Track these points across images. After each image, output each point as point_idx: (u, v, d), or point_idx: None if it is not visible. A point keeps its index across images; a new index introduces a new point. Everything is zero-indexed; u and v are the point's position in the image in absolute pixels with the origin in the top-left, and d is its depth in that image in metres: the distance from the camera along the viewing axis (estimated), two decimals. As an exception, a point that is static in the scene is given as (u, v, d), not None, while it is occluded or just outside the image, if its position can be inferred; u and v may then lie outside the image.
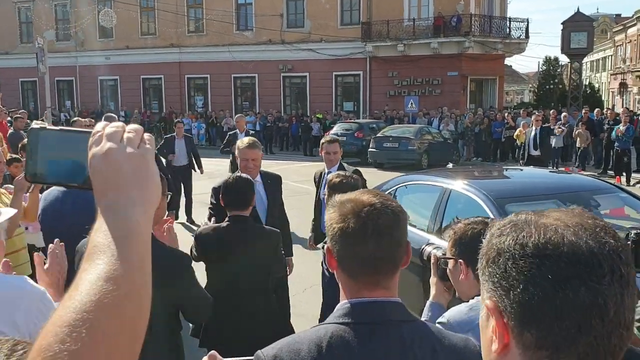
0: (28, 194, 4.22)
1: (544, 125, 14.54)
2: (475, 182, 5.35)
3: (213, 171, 19.09)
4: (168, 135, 11.41)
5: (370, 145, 20.13)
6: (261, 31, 31.69)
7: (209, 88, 34.47)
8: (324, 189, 4.40)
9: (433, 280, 2.39)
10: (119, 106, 35.30)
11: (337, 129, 22.83)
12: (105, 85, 36.94)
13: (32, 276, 2.34)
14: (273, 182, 4.99)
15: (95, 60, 35.45)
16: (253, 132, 12.94)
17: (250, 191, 3.74)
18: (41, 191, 3.84)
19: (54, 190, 3.42)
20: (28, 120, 13.25)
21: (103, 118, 10.53)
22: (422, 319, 2.32)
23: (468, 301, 2.19)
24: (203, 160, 11.67)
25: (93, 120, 11.85)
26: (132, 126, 0.93)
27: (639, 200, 5.11)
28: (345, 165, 5.77)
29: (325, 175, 5.48)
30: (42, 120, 17.48)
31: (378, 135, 20.64)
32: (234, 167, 10.35)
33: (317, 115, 27.80)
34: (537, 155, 13.52)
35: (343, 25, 30.84)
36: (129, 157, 0.89)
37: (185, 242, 3.55)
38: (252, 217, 4.36)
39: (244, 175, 3.99)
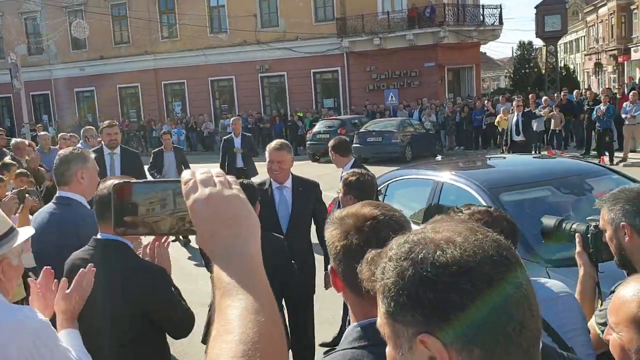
0: (18, 214, 4.11)
1: (525, 110, 14.63)
2: (467, 173, 5.32)
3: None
4: (156, 150, 10.46)
5: (354, 141, 20.10)
6: (235, 32, 31.52)
7: (187, 93, 34.21)
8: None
9: None
10: (97, 117, 34.90)
11: (319, 126, 22.78)
12: (82, 96, 36.50)
13: (26, 298, 2.24)
14: (306, 190, 4.62)
15: (70, 72, 35.04)
16: (249, 134, 12.45)
17: (249, 198, 3.65)
18: (31, 212, 3.74)
19: (43, 212, 3.33)
20: (8, 137, 13.01)
21: (82, 131, 10.30)
22: None
23: None
24: None
25: (76, 136, 11.63)
26: (216, 170, 1.01)
27: (631, 180, 5.11)
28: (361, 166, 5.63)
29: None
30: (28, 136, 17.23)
31: (361, 130, 20.66)
32: (231, 173, 10.09)
33: (298, 114, 27.73)
34: (520, 141, 13.61)
35: (318, 22, 30.77)
36: (228, 199, 0.96)
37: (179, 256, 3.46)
38: (274, 226, 4.22)
39: (246, 180, 3.89)
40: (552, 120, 18.40)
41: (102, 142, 6.77)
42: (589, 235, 2.27)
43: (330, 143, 5.71)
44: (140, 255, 2.66)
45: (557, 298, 2.14)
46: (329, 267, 1.56)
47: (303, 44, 30.51)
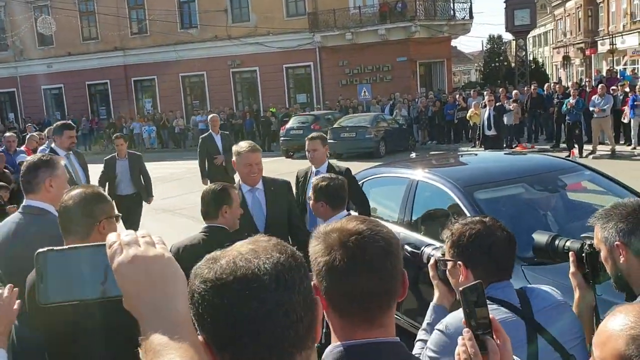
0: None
1: (497, 105, 14.76)
2: (441, 171, 5.31)
3: (165, 175, 18.81)
4: (108, 157, 8.66)
5: (328, 137, 20.02)
6: (206, 28, 31.21)
7: (157, 89, 33.81)
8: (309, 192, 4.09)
9: (435, 282, 2.31)
10: (65, 115, 34.23)
11: (293, 122, 22.67)
12: (49, 94, 35.78)
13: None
14: (277, 189, 4.51)
15: (36, 69, 34.32)
16: (227, 132, 12.01)
17: (217, 202, 3.56)
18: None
19: (9, 222, 3.20)
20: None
21: (46, 131, 9.97)
22: (425, 322, 2.26)
23: None
24: (156, 165, 10.79)
25: (43, 133, 11.32)
26: (142, 231, 1.03)
27: (603, 175, 5.17)
28: (334, 164, 5.42)
29: (311, 176, 5.10)
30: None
31: (334, 126, 20.63)
32: (210, 172, 9.67)
33: (270, 110, 27.58)
34: (492, 135, 13.72)
35: (289, 16, 30.63)
36: (154, 259, 0.98)
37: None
38: (250, 229, 4.06)
39: (221, 184, 3.76)
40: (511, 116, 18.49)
41: (55, 145, 6.33)
42: (583, 255, 2.13)
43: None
44: None
45: (560, 305, 2.10)
46: (312, 283, 1.50)
47: (275, 39, 30.34)
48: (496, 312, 1.90)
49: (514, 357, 1.45)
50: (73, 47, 33.87)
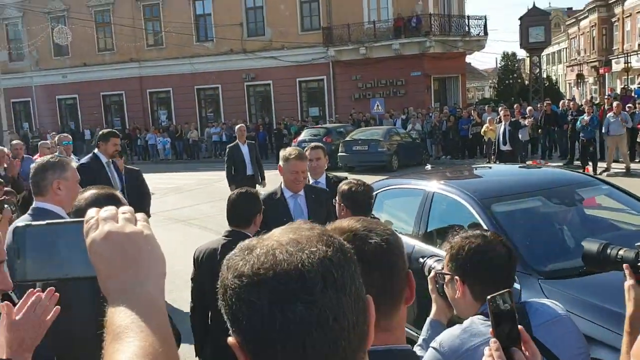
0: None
1: (512, 120, 14.70)
2: (457, 183, 5.26)
3: (179, 186, 18.85)
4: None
5: (340, 149, 20.07)
6: (222, 41, 31.44)
7: (172, 101, 34.02)
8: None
9: (433, 296, 2.23)
10: (80, 125, 34.55)
11: (305, 134, 22.71)
12: (64, 104, 36.13)
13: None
14: (318, 197, 4.59)
15: (51, 79, 34.70)
16: (253, 141, 12.00)
17: (253, 208, 3.57)
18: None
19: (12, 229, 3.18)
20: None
21: (57, 138, 9.99)
22: (421, 337, 2.17)
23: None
24: (169, 176, 10.74)
25: (54, 140, 11.39)
26: (125, 207, 0.95)
27: (620, 190, 5.10)
28: (332, 174, 5.47)
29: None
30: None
31: (347, 139, 20.62)
32: (236, 181, 9.63)
33: (283, 123, 27.69)
34: (507, 150, 13.64)
35: (304, 31, 30.81)
36: (129, 236, 0.90)
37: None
38: None
39: (250, 190, 3.78)
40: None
41: (98, 151, 6.34)
42: (639, 264, 2.00)
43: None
44: None
45: (560, 319, 2.03)
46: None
47: (289, 53, 30.51)
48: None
49: None
50: (89, 58, 34.22)
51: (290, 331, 0.83)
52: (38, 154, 10.79)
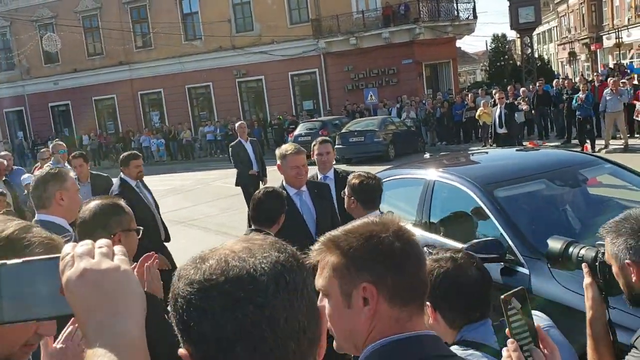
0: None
1: (508, 102, 14.64)
2: (458, 170, 5.20)
3: (176, 187, 18.77)
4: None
5: (336, 142, 20.00)
6: (210, 39, 31.28)
7: (164, 102, 33.89)
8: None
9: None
10: (74, 131, 34.42)
11: (301, 129, 22.64)
12: (57, 111, 35.98)
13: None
14: (321, 192, 4.60)
15: (43, 87, 34.56)
16: (255, 139, 11.93)
17: (280, 208, 3.54)
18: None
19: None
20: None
21: (50, 146, 9.84)
22: None
23: None
24: (166, 177, 10.74)
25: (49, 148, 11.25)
26: (102, 241, 0.93)
27: (624, 168, 5.04)
28: (340, 169, 5.43)
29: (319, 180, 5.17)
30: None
31: (343, 131, 20.58)
32: (243, 179, 9.87)
33: (278, 118, 27.62)
34: (503, 133, 13.59)
35: (293, 24, 30.65)
36: (106, 272, 0.87)
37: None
38: (303, 231, 4.16)
39: (276, 189, 3.73)
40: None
41: (123, 175, 6.24)
42: (597, 264, 1.97)
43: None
44: None
45: (547, 332, 1.88)
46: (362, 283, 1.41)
47: (279, 47, 30.37)
48: (471, 358, 1.78)
49: None
50: (79, 64, 34.06)
51: (242, 333, 0.84)
52: (38, 166, 10.68)
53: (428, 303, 1.91)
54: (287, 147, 4.49)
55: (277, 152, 4.54)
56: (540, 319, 1.99)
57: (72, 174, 3.43)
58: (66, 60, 34.19)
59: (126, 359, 0.82)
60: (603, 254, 1.94)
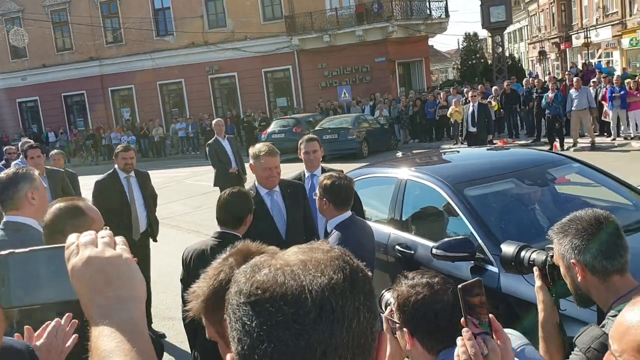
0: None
1: (481, 102, 14.78)
2: (429, 169, 5.25)
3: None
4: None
5: (310, 139, 20.03)
6: (182, 35, 30.98)
7: (135, 98, 33.46)
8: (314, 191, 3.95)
9: (387, 336, 2.08)
10: (42, 127, 33.79)
11: (274, 126, 22.58)
12: (25, 107, 35.27)
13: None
14: (295, 192, 4.46)
15: (10, 82, 33.84)
16: (232, 135, 11.63)
17: (245, 208, 3.46)
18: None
19: None
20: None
21: (19, 144, 9.64)
22: None
23: None
24: None
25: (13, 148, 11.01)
26: (104, 232, 0.99)
27: (592, 167, 5.14)
28: (326, 168, 5.27)
29: (307, 181, 5.08)
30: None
31: (316, 128, 20.60)
32: (221, 179, 9.51)
33: (247, 115, 27.53)
34: (474, 132, 13.72)
35: (266, 21, 30.53)
36: (109, 260, 0.94)
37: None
38: (273, 232, 4.07)
39: (241, 189, 3.65)
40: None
41: (117, 166, 6.36)
42: (546, 267, 2.00)
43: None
44: None
45: (518, 353, 1.86)
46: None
47: (252, 44, 30.23)
48: None
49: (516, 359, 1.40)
50: (47, 59, 33.42)
51: (274, 358, 0.77)
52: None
53: (405, 329, 1.92)
54: (260, 148, 4.36)
55: (251, 151, 4.43)
56: (515, 337, 1.95)
57: (36, 172, 3.38)
58: (34, 55, 33.51)
59: (130, 340, 0.87)
60: (552, 256, 1.97)
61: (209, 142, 10.08)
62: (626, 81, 16.70)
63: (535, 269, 2.05)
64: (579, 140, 16.40)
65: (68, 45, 33.71)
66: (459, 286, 1.32)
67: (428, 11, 30.41)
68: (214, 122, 10.64)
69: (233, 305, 0.83)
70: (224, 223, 3.48)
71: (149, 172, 7.13)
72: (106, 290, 0.91)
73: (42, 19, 32.01)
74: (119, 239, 0.99)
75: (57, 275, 0.98)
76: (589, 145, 16.05)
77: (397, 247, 4.77)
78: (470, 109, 13.89)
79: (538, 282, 2.02)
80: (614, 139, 16.61)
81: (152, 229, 6.52)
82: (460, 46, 56.23)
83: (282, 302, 0.78)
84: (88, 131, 32.30)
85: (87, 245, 0.95)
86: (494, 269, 3.86)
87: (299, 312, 0.77)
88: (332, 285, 0.79)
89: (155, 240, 6.59)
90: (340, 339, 0.78)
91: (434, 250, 4.07)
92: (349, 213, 3.73)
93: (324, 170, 5.11)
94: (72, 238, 0.97)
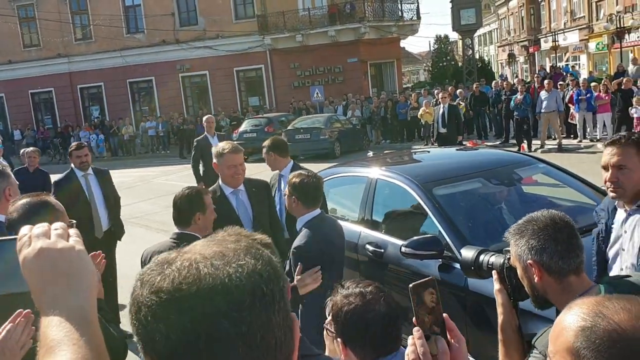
0: None
1: (451, 103, 14.95)
2: (399, 169, 5.31)
3: (116, 184, 18.30)
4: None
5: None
6: (153, 32, 30.65)
7: (104, 96, 32.96)
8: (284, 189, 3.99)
9: (327, 342, 2.11)
10: (8, 125, 33.06)
11: (246, 125, 22.50)
12: (-10, 104, 34.46)
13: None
14: (259, 190, 4.48)
15: (-25, 79, 33.02)
16: (224, 134, 11.28)
17: (192, 208, 3.42)
18: None
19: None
20: None
21: None
22: None
23: None
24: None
25: None
26: (58, 224, 0.99)
27: (558, 168, 5.25)
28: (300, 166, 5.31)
29: (280, 180, 5.09)
30: None
31: (289, 128, 20.58)
32: (207, 178, 9.01)
33: (214, 114, 27.27)
34: (445, 133, 13.86)
35: (238, 19, 30.39)
36: (61, 251, 0.93)
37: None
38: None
39: (194, 188, 3.63)
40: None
41: (73, 165, 6.25)
42: (504, 270, 1.99)
43: (267, 143, 5.10)
44: None
45: None
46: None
47: (224, 42, 30.06)
48: None
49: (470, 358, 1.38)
50: (14, 55, 32.70)
51: (214, 350, 0.77)
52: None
53: (339, 339, 1.93)
54: (224, 146, 4.37)
55: (214, 149, 4.44)
56: None
57: (8, 169, 3.35)
58: (0, 51, 32.76)
59: (79, 329, 0.86)
60: (509, 259, 1.97)
61: (198, 138, 9.72)
62: (592, 84, 17.09)
63: (494, 272, 2.04)
64: (547, 141, 16.71)
65: (35, 42, 33.03)
66: (410, 285, 1.30)
67: (400, 13, 30.63)
68: (204, 118, 10.20)
69: (150, 306, 0.79)
70: (177, 222, 3.47)
71: (118, 171, 7.05)
72: (56, 280, 0.91)
73: (8, 14, 31.32)
74: (73, 231, 0.99)
75: (9, 267, 0.98)
76: (556, 146, 16.38)
77: (368, 245, 4.81)
78: (441, 110, 14.05)
79: (497, 286, 2.01)
80: (580, 141, 16.97)
81: (116, 229, 6.41)
82: (432, 48, 56.80)
83: (212, 293, 0.77)
84: (56, 129, 31.72)
85: (40, 237, 0.95)
86: (461, 267, 3.92)
87: (233, 300, 0.78)
88: (258, 271, 0.81)
89: (119, 240, 6.49)
90: (274, 321, 0.81)
91: (403, 249, 4.12)
92: (318, 211, 3.75)
93: (295, 166, 5.16)
94: (24, 230, 0.97)
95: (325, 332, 2.10)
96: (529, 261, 1.87)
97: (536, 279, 1.87)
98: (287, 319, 0.85)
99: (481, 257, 2.16)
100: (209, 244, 0.86)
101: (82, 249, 0.96)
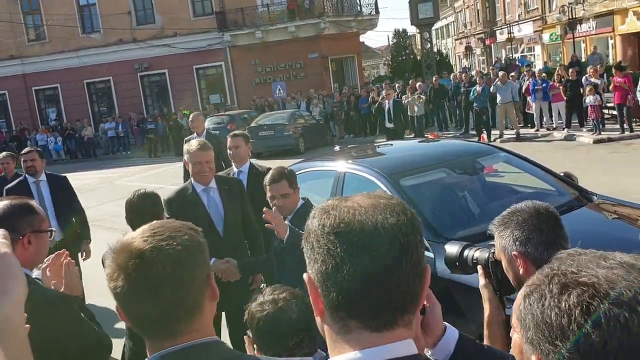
0: None
1: (396, 99, 15.19)
2: (366, 162, 5.41)
3: (78, 186, 17.99)
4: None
5: (244, 136, 19.93)
6: (110, 32, 30.11)
7: (61, 98, 32.26)
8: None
9: (429, 267, 2.08)
10: (-39, 130, 32.06)
11: (208, 123, 22.26)
12: (-60, 108, 33.34)
13: None
14: (231, 188, 4.49)
15: None
16: (215, 132, 10.87)
17: (152, 210, 3.41)
18: None
19: None
20: None
21: None
22: None
23: None
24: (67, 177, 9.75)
25: None
26: None
27: (517, 156, 5.43)
28: (256, 163, 5.38)
29: (236, 175, 5.14)
30: None
31: (252, 125, 20.50)
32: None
33: (184, 112, 26.98)
34: (391, 128, 14.10)
35: (196, 16, 30.10)
36: None
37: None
38: (210, 230, 4.06)
39: (148, 190, 3.64)
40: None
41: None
42: (489, 264, 1.96)
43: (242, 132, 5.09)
44: (42, 279, 2.39)
45: None
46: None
47: (182, 40, 29.74)
48: None
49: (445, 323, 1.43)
50: (-36, 57, 31.74)
51: (354, 278, 0.96)
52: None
53: (255, 346, 1.99)
54: (192, 143, 4.40)
55: (184, 147, 4.48)
56: None
57: None
58: (-52, 53, 31.74)
59: (6, 344, 0.84)
60: (494, 253, 1.95)
61: (187, 137, 9.30)
62: (543, 74, 17.54)
63: (479, 267, 1.99)
64: (505, 131, 17.11)
65: (-14, 43, 32.09)
66: None
67: (359, 8, 30.81)
68: (191, 116, 9.83)
69: (317, 234, 1.00)
70: (131, 225, 3.38)
71: (79, 174, 6.94)
72: None
73: (-44, 15, 30.34)
74: (2, 232, 0.97)
75: None
76: (514, 136, 16.78)
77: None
78: (387, 106, 14.27)
79: (482, 281, 1.96)
80: (537, 130, 17.43)
81: (81, 238, 6.04)
82: (391, 42, 57.27)
83: (361, 233, 0.97)
84: (12, 133, 30.89)
85: None
86: (430, 254, 4.03)
87: (374, 241, 0.97)
88: (399, 224, 0.99)
89: (86, 253, 6.07)
90: (405, 266, 0.99)
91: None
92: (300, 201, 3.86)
93: (252, 166, 5.22)
94: None
95: (245, 337, 2.16)
96: (513, 252, 1.85)
97: (521, 270, 1.83)
98: (418, 268, 1.02)
99: (465, 252, 2.10)
100: (366, 197, 1.05)
101: (7, 251, 0.92)
